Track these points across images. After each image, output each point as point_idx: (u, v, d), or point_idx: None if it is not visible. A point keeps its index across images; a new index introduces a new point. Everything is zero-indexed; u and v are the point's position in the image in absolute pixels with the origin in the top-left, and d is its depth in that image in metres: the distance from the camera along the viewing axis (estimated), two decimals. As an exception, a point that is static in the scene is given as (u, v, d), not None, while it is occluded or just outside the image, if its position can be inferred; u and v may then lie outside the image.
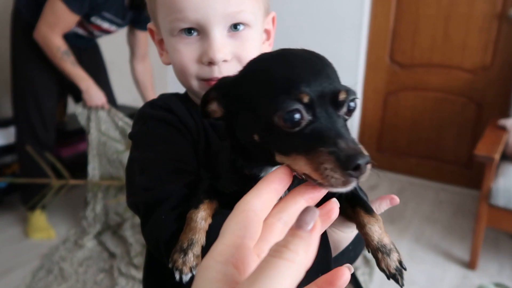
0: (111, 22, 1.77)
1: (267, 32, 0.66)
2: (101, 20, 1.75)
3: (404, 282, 0.43)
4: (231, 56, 0.57)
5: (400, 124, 2.67)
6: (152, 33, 0.65)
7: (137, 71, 2.06)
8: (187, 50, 0.57)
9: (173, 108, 0.60)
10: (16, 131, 1.95)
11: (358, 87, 2.67)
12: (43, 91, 1.85)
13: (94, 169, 1.80)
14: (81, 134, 2.43)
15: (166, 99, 0.63)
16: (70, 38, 1.75)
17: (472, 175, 2.49)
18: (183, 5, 0.54)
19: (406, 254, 1.82)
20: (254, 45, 0.60)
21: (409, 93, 2.59)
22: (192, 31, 0.57)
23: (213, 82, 0.55)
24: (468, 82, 2.37)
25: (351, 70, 2.63)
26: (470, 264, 1.74)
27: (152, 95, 2.10)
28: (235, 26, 0.57)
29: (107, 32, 1.87)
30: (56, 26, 1.59)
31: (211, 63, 0.56)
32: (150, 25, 0.65)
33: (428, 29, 2.41)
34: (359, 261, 1.71)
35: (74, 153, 2.48)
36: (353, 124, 2.75)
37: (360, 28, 2.52)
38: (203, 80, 0.59)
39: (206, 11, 0.54)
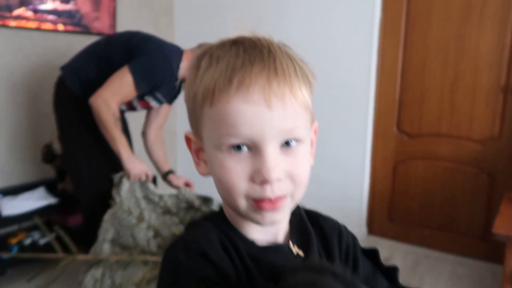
0: (158, 100, 1.88)
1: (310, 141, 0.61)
2: (152, 98, 1.85)
3: None
4: (284, 174, 0.53)
5: (412, 194, 2.63)
6: (188, 141, 0.61)
7: (151, 139, 2.09)
8: (237, 168, 0.52)
9: (210, 253, 0.53)
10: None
11: (366, 156, 2.68)
12: (100, 173, 1.84)
13: (104, 241, 1.75)
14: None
15: (200, 239, 0.55)
16: None
17: (488, 248, 2.40)
18: (236, 119, 0.50)
19: (426, 337, 1.70)
20: (305, 161, 0.57)
21: (418, 162, 2.58)
22: (242, 147, 0.52)
23: (264, 203, 0.52)
24: (478, 153, 2.36)
25: (360, 140, 2.65)
26: None
27: (167, 164, 2.11)
28: (287, 142, 0.53)
29: (149, 108, 1.94)
30: (117, 95, 1.65)
31: (264, 182, 0.51)
32: (187, 133, 0.61)
33: (434, 99, 2.45)
34: None
35: (81, 222, 2.45)
36: (363, 194, 2.72)
37: (367, 99, 2.58)
38: (253, 199, 0.53)
39: (261, 127, 0.50)
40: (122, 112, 2.02)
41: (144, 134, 2.12)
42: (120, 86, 1.65)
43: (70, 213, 2.42)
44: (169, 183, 2.04)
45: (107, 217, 1.74)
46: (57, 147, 2.33)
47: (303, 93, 0.55)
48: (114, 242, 1.73)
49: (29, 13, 2.32)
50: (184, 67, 1.83)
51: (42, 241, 2.19)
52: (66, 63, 1.90)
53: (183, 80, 1.92)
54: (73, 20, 2.56)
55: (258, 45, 0.54)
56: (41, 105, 2.50)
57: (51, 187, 2.41)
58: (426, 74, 2.46)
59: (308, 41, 2.73)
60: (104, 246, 1.73)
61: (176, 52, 1.82)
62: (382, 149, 2.70)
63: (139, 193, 1.80)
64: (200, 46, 1.88)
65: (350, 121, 2.67)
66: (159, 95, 1.84)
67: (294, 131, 0.53)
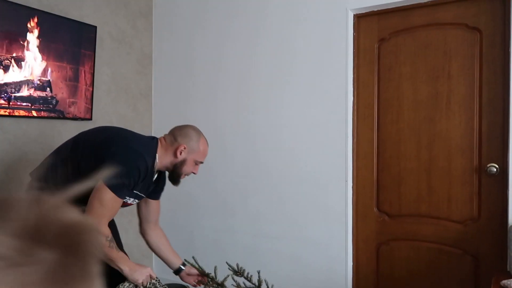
0: (136, 197, 1.79)
1: None
2: (129, 197, 1.76)
3: None
4: None
5: (397, 276, 2.55)
6: None
7: (151, 238, 2.00)
8: None
9: None
10: None
11: (348, 238, 2.62)
12: None
13: None
14: None
15: None
16: None
17: (481, 334, 2.29)
18: None
19: None
20: None
21: (401, 243, 2.53)
22: None
23: None
24: (460, 233, 2.35)
25: (340, 221, 2.61)
26: None
27: (176, 256, 2.02)
28: None
29: (127, 205, 1.86)
30: (104, 216, 1.61)
31: None
32: None
33: (412, 181, 2.48)
34: None
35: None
36: (347, 276, 2.62)
37: (346, 180, 2.59)
38: None
39: None
40: None
41: (142, 233, 2.02)
42: (102, 206, 1.59)
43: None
44: (182, 279, 2.01)
45: None
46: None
47: None
48: None
49: (2, 101, 2.28)
50: (160, 157, 1.78)
51: None
52: (34, 169, 1.83)
53: (164, 170, 1.88)
54: (48, 106, 2.53)
55: None
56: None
57: None
58: (401, 156, 2.51)
59: (286, 127, 2.78)
60: None
61: (148, 145, 1.76)
62: (363, 230, 2.66)
63: None
64: (171, 132, 1.86)
65: (330, 202, 2.64)
66: (137, 192, 1.77)
67: None
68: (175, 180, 1.85)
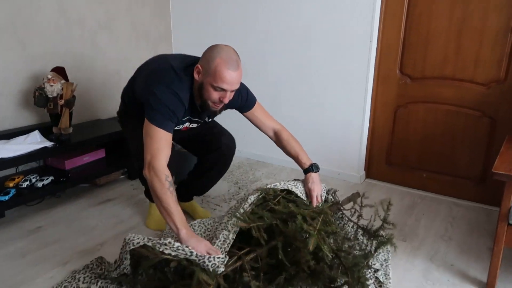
0: (190, 121, 1.77)
1: None
2: (181, 125, 1.75)
3: None
4: None
5: (411, 138, 2.62)
6: None
7: (274, 141, 1.91)
8: None
9: None
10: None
11: (367, 100, 2.63)
12: None
13: None
14: (84, 146, 2.39)
15: None
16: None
17: (485, 190, 2.43)
18: None
19: (421, 274, 1.75)
20: None
21: (420, 106, 2.54)
22: None
23: None
24: (481, 96, 2.32)
25: (361, 83, 2.59)
26: (488, 286, 1.67)
27: (302, 162, 1.84)
28: None
29: (189, 129, 1.84)
30: (160, 152, 1.48)
31: None
32: None
33: (440, 42, 2.36)
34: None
35: (78, 165, 2.45)
36: (362, 138, 2.70)
37: (370, 40, 2.49)
38: None
39: None
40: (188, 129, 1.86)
41: (273, 140, 1.94)
42: (155, 142, 1.48)
43: (67, 157, 2.40)
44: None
45: None
46: (49, 89, 2.25)
47: None
48: None
49: None
50: (196, 86, 1.58)
51: (39, 184, 2.18)
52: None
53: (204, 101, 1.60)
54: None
55: None
56: (29, 48, 2.39)
57: (47, 131, 2.37)
58: (432, 14, 2.35)
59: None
60: None
61: (184, 79, 1.58)
62: (383, 93, 2.65)
63: None
64: (211, 50, 1.55)
65: (351, 63, 2.59)
66: (187, 119, 1.74)
67: None
68: (203, 109, 1.63)
